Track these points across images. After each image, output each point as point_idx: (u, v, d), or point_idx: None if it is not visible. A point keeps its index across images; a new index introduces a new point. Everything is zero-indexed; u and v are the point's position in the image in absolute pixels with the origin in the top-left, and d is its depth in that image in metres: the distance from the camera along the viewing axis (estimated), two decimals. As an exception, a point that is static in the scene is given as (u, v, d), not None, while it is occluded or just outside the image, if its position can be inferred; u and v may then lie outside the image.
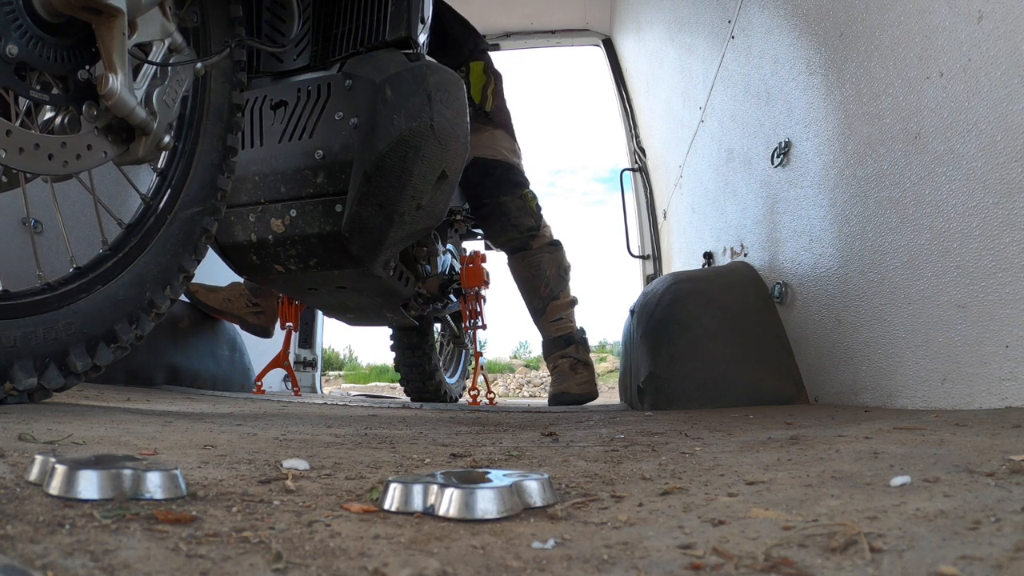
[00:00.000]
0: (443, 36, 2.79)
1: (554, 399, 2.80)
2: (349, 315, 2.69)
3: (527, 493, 0.55)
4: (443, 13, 2.85)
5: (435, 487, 0.52)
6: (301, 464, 0.72)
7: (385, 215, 1.89)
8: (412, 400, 3.39)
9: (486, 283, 3.28)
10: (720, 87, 2.76)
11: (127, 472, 0.52)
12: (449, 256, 3.16)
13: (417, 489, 0.53)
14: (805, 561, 0.40)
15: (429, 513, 0.51)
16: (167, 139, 1.30)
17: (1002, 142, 1.07)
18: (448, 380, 3.65)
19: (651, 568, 0.40)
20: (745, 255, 2.44)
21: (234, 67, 1.55)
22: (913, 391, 1.32)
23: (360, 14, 1.92)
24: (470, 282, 3.20)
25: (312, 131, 1.89)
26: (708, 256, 3.02)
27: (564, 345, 2.88)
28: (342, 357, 18.44)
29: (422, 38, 1.94)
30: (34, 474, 0.55)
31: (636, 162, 5.02)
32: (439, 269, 2.93)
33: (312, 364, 4.41)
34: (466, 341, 3.73)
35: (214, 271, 2.49)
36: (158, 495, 0.52)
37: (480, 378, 3.29)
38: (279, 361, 3.09)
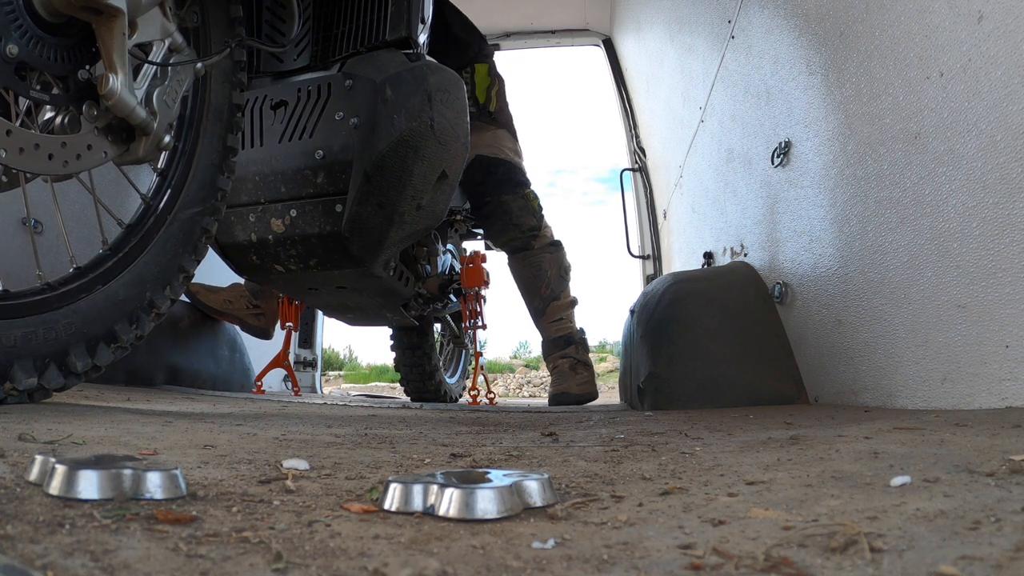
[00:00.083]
0: (449, 37, 2.83)
1: (554, 399, 2.80)
2: (349, 315, 2.69)
3: (527, 493, 0.55)
4: (450, 15, 2.88)
5: (435, 487, 0.52)
6: (301, 464, 0.72)
7: (385, 215, 1.89)
8: (412, 400, 3.39)
9: (486, 283, 3.28)
10: (720, 87, 2.76)
11: (127, 472, 0.52)
12: (449, 256, 3.16)
13: (417, 489, 0.53)
14: (805, 561, 0.40)
15: (429, 513, 0.51)
16: (167, 139, 1.30)
17: (1002, 142, 1.07)
18: (448, 380, 3.65)
19: (651, 568, 0.40)
20: (745, 255, 2.44)
21: (234, 67, 1.55)
22: (913, 391, 1.32)
23: (360, 14, 1.92)
24: (470, 282, 3.20)
25: (312, 131, 1.89)
26: (708, 256, 3.02)
27: (564, 345, 2.89)
28: (342, 357, 18.45)
29: (422, 38, 1.94)
30: (34, 474, 0.55)
31: (636, 162, 5.02)
32: (439, 269, 2.93)
33: (312, 364, 4.41)
34: (466, 341, 3.73)
35: (214, 271, 2.49)
36: (158, 495, 0.52)
37: (480, 378, 3.29)
38: (279, 361, 3.09)
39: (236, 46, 1.52)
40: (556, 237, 2.98)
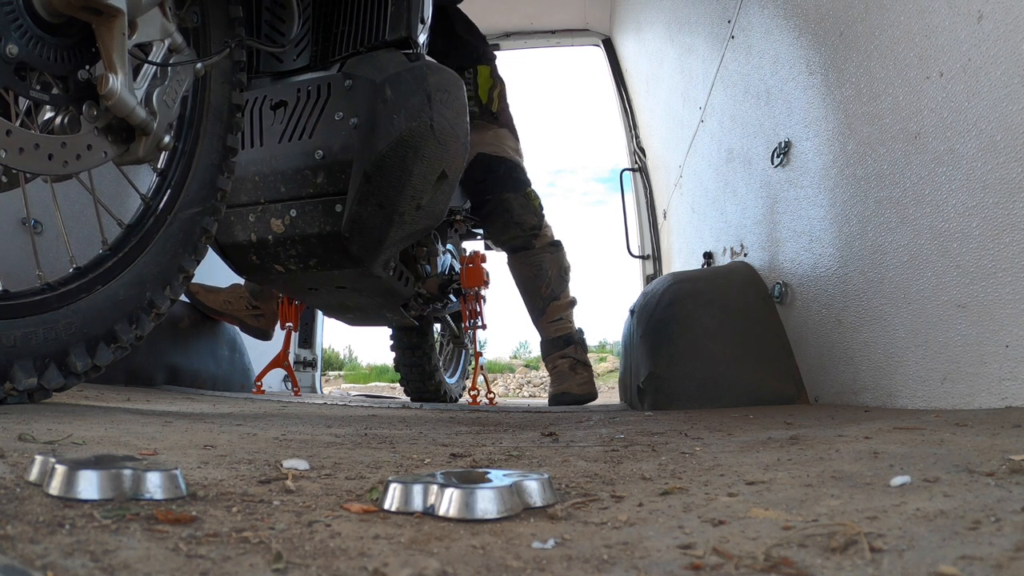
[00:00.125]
0: (453, 38, 2.87)
1: (555, 399, 2.80)
2: (349, 315, 2.69)
3: (527, 493, 0.55)
4: (456, 18, 2.92)
5: (435, 487, 0.52)
6: (301, 464, 0.72)
7: (385, 215, 1.89)
8: (412, 400, 3.39)
9: (486, 283, 3.27)
10: (720, 87, 2.76)
11: (127, 472, 0.52)
12: (449, 256, 3.16)
13: (417, 489, 0.53)
14: (805, 561, 0.40)
15: (429, 513, 0.51)
16: (167, 139, 1.30)
17: (1002, 142, 1.07)
18: (448, 380, 3.65)
19: (651, 568, 0.40)
20: (745, 255, 2.44)
21: (234, 67, 1.55)
22: (913, 391, 1.32)
23: (360, 14, 1.92)
24: (470, 282, 3.19)
25: (312, 131, 1.89)
26: (708, 256, 3.02)
27: (563, 345, 2.89)
28: (342, 357, 18.45)
29: (422, 38, 1.94)
30: (34, 474, 0.55)
31: (636, 162, 5.02)
32: (439, 269, 2.93)
33: (312, 364, 4.41)
34: (466, 341, 3.73)
35: (214, 271, 2.49)
36: (158, 495, 0.52)
37: (480, 378, 3.29)
38: (279, 361, 3.09)
39: (236, 46, 1.52)
40: (556, 237, 2.98)
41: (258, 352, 3.20)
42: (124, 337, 1.29)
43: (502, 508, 0.51)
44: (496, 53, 3.16)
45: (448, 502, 0.50)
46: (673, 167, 3.88)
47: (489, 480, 0.55)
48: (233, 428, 1.12)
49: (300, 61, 1.96)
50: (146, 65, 1.26)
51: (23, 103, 1.15)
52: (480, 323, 3.41)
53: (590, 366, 2.94)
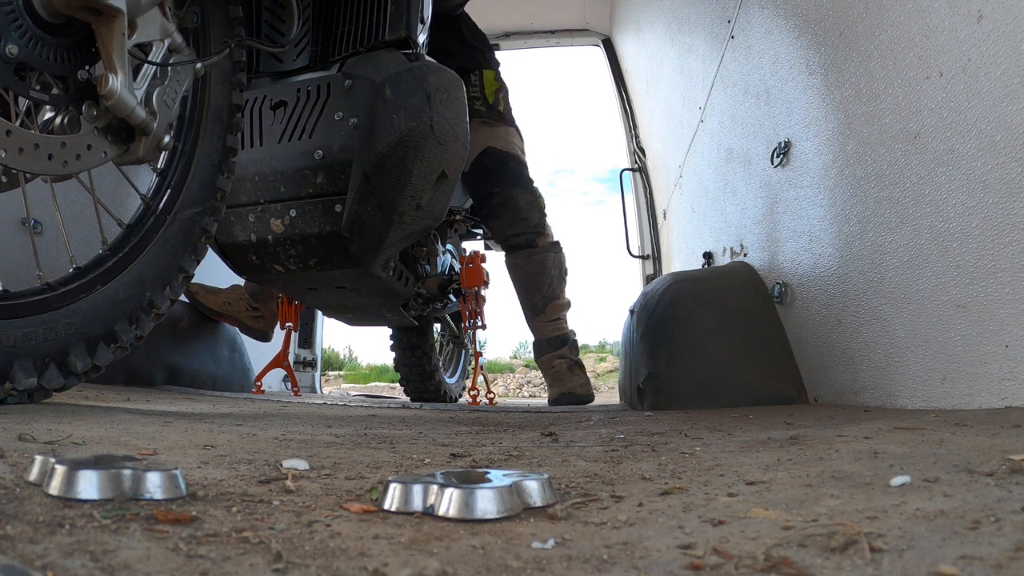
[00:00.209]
0: (460, 40, 2.93)
1: (560, 399, 2.79)
2: (349, 315, 2.69)
3: (527, 493, 0.55)
4: (466, 23, 2.99)
5: (435, 487, 0.52)
6: (301, 464, 0.72)
7: (385, 215, 1.89)
8: (412, 400, 3.39)
9: (486, 283, 3.27)
10: (720, 87, 2.76)
11: (127, 472, 0.52)
12: (449, 256, 3.16)
13: (417, 489, 0.53)
14: (805, 561, 0.40)
15: (429, 513, 0.51)
16: (167, 139, 1.30)
17: (1002, 142, 1.07)
18: (448, 380, 3.65)
19: (651, 568, 0.40)
20: (745, 255, 2.44)
21: (234, 67, 1.55)
22: (913, 391, 1.32)
23: (360, 14, 1.92)
24: (470, 282, 3.19)
25: (312, 131, 1.89)
26: (708, 256, 3.02)
27: (560, 345, 2.89)
28: (342, 357, 18.45)
29: (422, 38, 1.94)
30: (34, 474, 0.55)
31: (636, 162, 5.02)
32: (439, 269, 2.93)
33: (312, 364, 4.41)
34: (466, 341, 3.73)
35: (214, 271, 2.49)
36: (158, 495, 0.52)
37: (480, 378, 3.29)
38: (279, 361, 3.09)
39: (236, 46, 1.52)
40: (556, 238, 2.99)
41: (258, 352, 3.20)
42: (124, 337, 1.29)
43: (502, 508, 0.51)
44: (496, 53, 3.18)
45: (448, 502, 0.50)
46: (673, 167, 3.88)
47: (489, 480, 0.55)
48: (233, 428, 1.12)
49: (300, 61, 1.96)
50: (146, 65, 1.26)
51: (23, 103, 1.15)
52: (480, 323, 3.41)
53: (584, 367, 2.96)
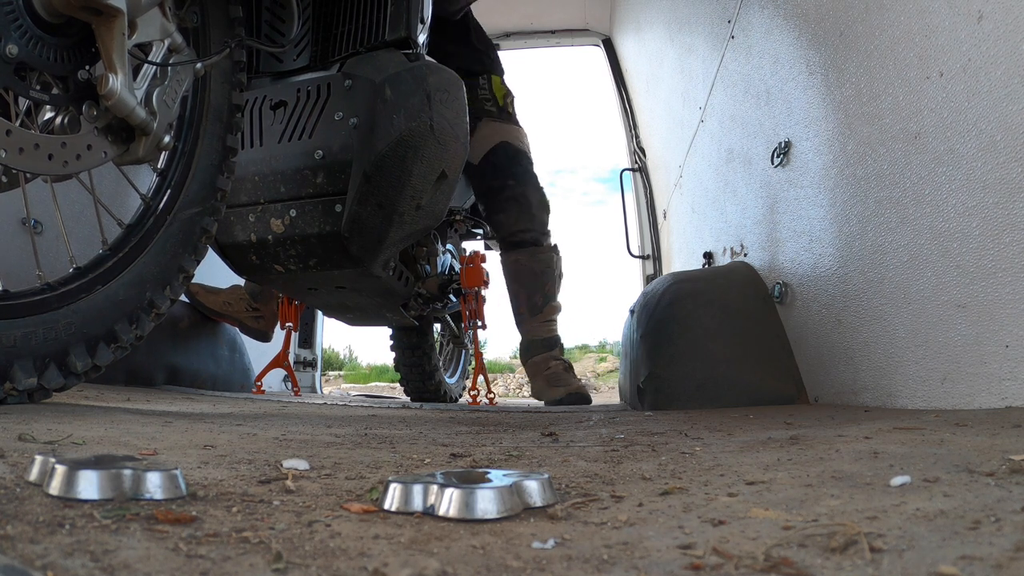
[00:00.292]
0: (466, 44, 2.95)
1: (567, 399, 2.76)
2: (349, 315, 2.69)
3: (527, 493, 0.55)
4: (472, 28, 3.01)
5: (435, 487, 0.52)
6: (301, 464, 0.72)
7: (385, 215, 1.89)
8: (412, 400, 3.39)
9: (486, 283, 3.27)
10: (720, 87, 2.76)
11: (127, 472, 0.52)
12: (449, 256, 3.16)
13: (417, 489, 0.53)
14: (805, 561, 0.40)
15: (429, 513, 0.51)
16: (167, 139, 1.30)
17: (1002, 142, 1.07)
18: (448, 380, 3.65)
19: (651, 568, 0.40)
20: (745, 255, 2.44)
21: (234, 67, 1.55)
22: (913, 391, 1.32)
23: (360, 14, 1.92)
24: (470, 282, 3.19)
25: (312, 131, 1.89)
26: (708, 256, 3.02)
27: (553, 346, 2.90)
28: (342, 357, 18.45)
29: (422, 38, 1.94)
30: (34, 474, 0.55)
31: (636, 162, 5.02)
32: (439, 269, 2.93)
33: (312, 364, 4.41)
34: (466, 341, 3.73)
35: (214, 271, 2.49)
36: (158, 495, 0.52)
37: (480, 378, 3.29)
38: (279, 361, 3.09)
39: (236, 46, 1.52)
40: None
41: (258, 352, 3.20)
42: (124, 337, 1.29)
43: (502, 508, 0.51)
44: (497, 54, 3.19)
45: (448, 502, 0.50)
46: (673, 167, 3.88)
47: (489, 480, 0.55)
48: (233, 428, 1.12)
49: (300, 61, 1.96)
50: (146, 65, 1.26)
51: (23, 103, 1.15)
52: (480, 323, 3.41)
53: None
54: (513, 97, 3.08)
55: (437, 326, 3.64)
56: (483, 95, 2.88)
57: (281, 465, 0.71)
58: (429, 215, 2.00)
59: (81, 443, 0.79)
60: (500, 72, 3.07)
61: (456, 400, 3.70)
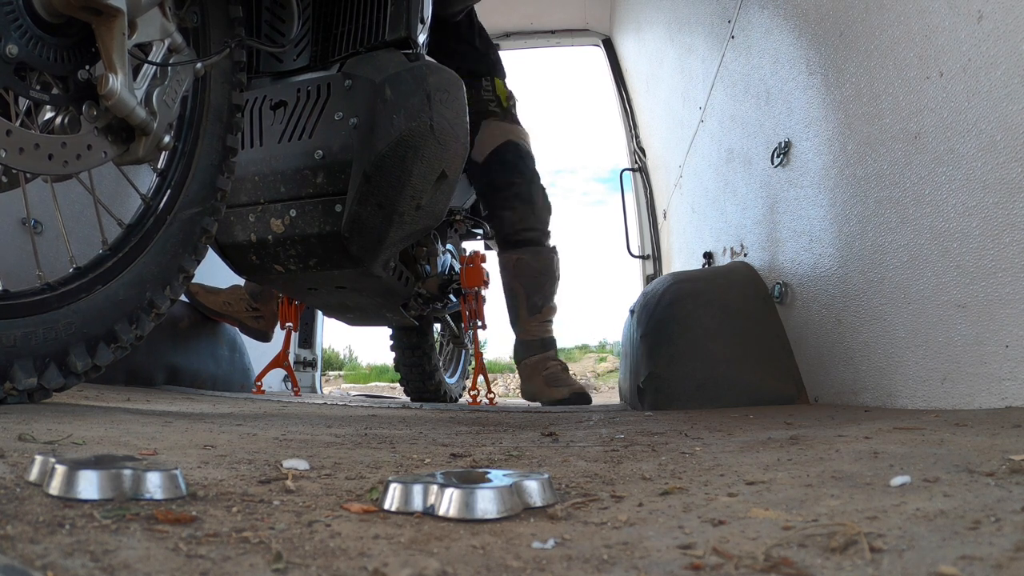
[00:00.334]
0: (473, 48, 2.97)
1: (571, 399, 2.75)
2: (349, 315, 2.69)
3: (527, 493, 0.55)
4: (475, 30, 3.03)
5: (435, 487, 0.52)
6: (301, 464, 0.72)
7: (385, 215, 1.89)
8: (412, 400, 3.39)
9: (486, 283, 3.27)
10: (720, 87, 2.76)
11: (127, 472, 0.52)
12: (449, 256, 3.16)
13: (417, 489, 0.53)
14: (805, 561, 0.40)
15: (429, 513, 0.51)
16: (167, 139, 1.30)
17: (1002, 142, 1.07)
18: (448, 380, 3.65)
19: (651, 568, 0.40)
20: (745, 255, 2.44)
21: (234, 67, 1.55)
22: (913, 391, 1.32)
23: (360, 14, 1.92)
24: (470, 282, 3.19)
25: (312, 131, 1.89)
26: (708, 256, 3.02)
27: (549, 347, 2.89)
28: (342, 357, 18.43)
29: (422, 38, 1.94)
30: (34, 474, 0.55)
31: (636, 162, 5.02)
32: (439, 269, 2.93)
33: (312, 364, 4.41)
34: (466, 341, 3.73)
35: (214, 271, 2.49)
36: (158, 495, 0.52)
37: (480, 378, 3.29)
38: (279, 361, 3.09)
39: (236, 46, 1.52)
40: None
41: (258, 352, 3.20)
42: (124, 337, 1.29)
43: (502, 508, 0.51)
44: (499, 56, 3.20)
45: (448, 502, 0.50)
46: (673, 167, 3.88)
47: (489, 480, 0.55)
48: (233, 428, 1.12)
49: (300, 61, 1.96)
50: (146, 65, 1.26)
51: (23, 103, 1.15)
52: (480, 323, 3.41)
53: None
54: (515, 100, 3.10)
55: (437, 326, 3.64)
56: (487, 96, 2.89)
57: (281, 465, 0.71)
58: (429, 215, 2.00)
59: (81, 443, 0.79)
60: (503, 75, 3.08)
61: (456, 400, 3.70)
